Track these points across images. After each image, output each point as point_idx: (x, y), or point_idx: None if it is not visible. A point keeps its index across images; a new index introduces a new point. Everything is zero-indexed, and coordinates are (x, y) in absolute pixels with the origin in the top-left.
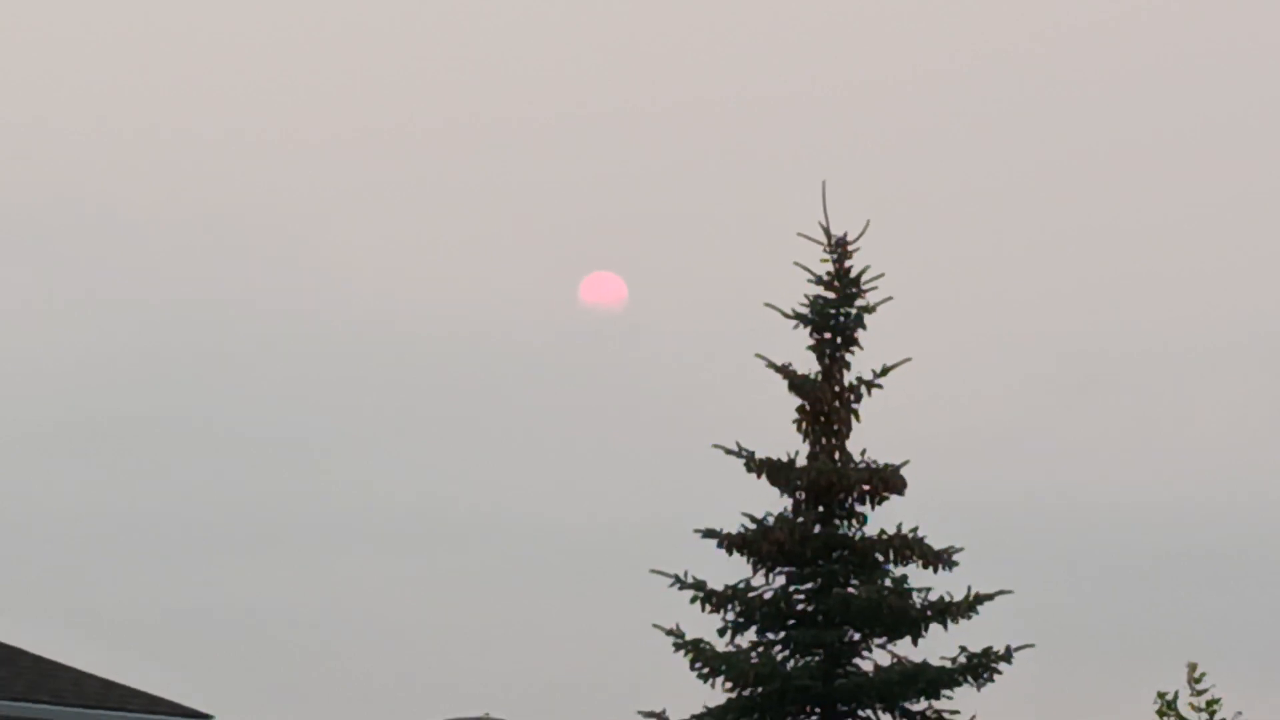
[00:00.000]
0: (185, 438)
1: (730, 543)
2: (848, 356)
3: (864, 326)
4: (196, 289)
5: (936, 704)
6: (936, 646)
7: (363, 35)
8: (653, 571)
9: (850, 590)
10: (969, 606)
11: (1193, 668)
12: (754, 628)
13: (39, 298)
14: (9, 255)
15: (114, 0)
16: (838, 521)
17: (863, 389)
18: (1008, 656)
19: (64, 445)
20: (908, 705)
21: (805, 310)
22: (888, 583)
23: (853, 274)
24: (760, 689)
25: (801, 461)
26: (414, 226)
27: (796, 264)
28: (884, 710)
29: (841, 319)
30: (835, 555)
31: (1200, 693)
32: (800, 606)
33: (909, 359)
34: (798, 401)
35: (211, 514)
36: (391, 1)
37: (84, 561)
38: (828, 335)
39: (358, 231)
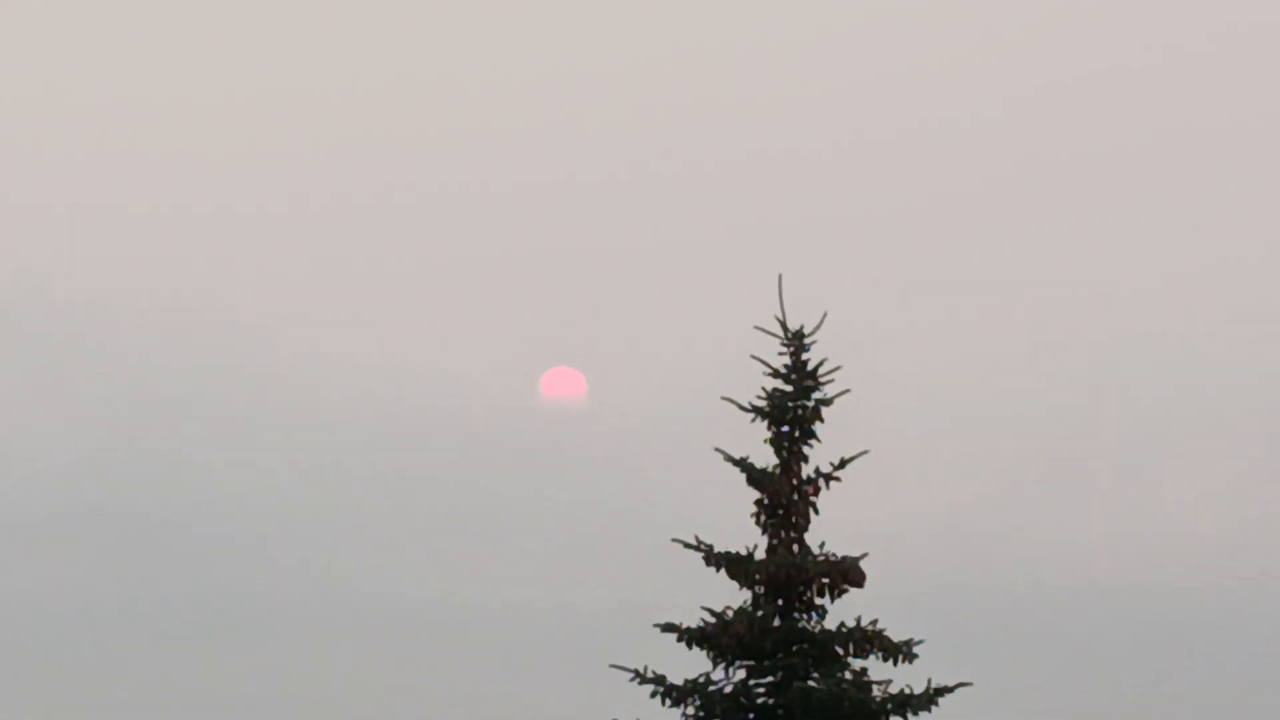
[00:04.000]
0: (135, 528)
1: (690, 637)
2: (805, 449)
3: (821, 419)
4: (148, 379)
5: None
6: None
7: (329, 117)
8: (612, 666)
9: (811, 683)
10: (929, 699)
11: None
12: None
13: None
14: None
15: (74, 79)
16: (797, 615)
17: (821, 482)
18: None
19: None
20: None
21: (763, 403)
22: (848, 675)
23: (810, 367)
24: None
25: (760, 555)
26: (375, 322)
27: (754, 357)
28: None
29: (799, 412)
30: (795, 648)
31: None
32: (761, 700)
33: (866, 451)
34: (756, 495)
35: (167, 605)
36: (358, 83)
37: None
38: (785, 428)
39: (318, 326)
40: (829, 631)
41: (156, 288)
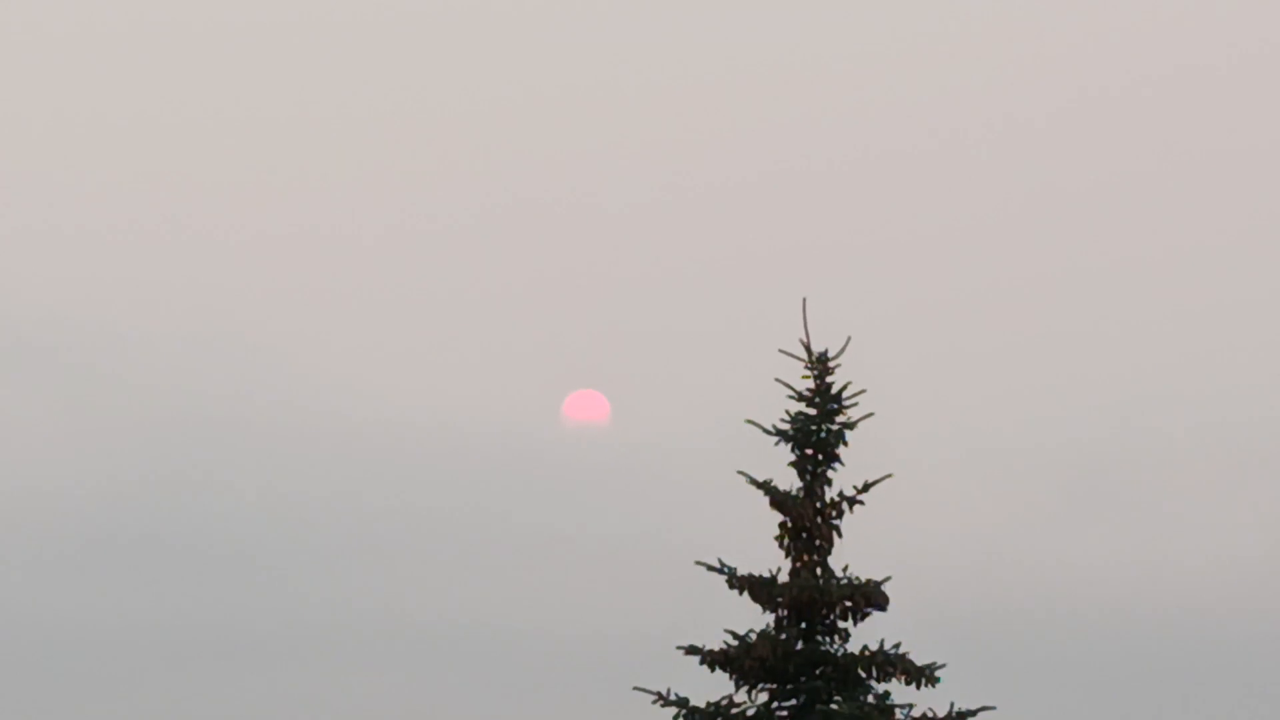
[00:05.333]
0: (157, 552)
1: (713, 659)
2: (829, 473)
3: (845, 443)
4: (171, 403)
5: None
6: None
7: (351, 142)
8: (635, 689)
9: (833, 707)
10: None
11: None
12: None
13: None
14: None
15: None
16: (820, 638)
17: (844, 505)
18: None
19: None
20: None
21: (786, 427)
22: (870, 699)
23: (834, 390)
24: None
25: (783, 578)
26: (398, 347)
27: (778, 380)
28: None
29: (823, 435)
30: (818, 672)
31: None
32: None
33: (890, 475)
34: (779, 518)
35: (185, 628)
36: (380, 109)
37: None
38: (809, 451)
39: (341, 352)
40: (852, 655)
41: (179, 314)
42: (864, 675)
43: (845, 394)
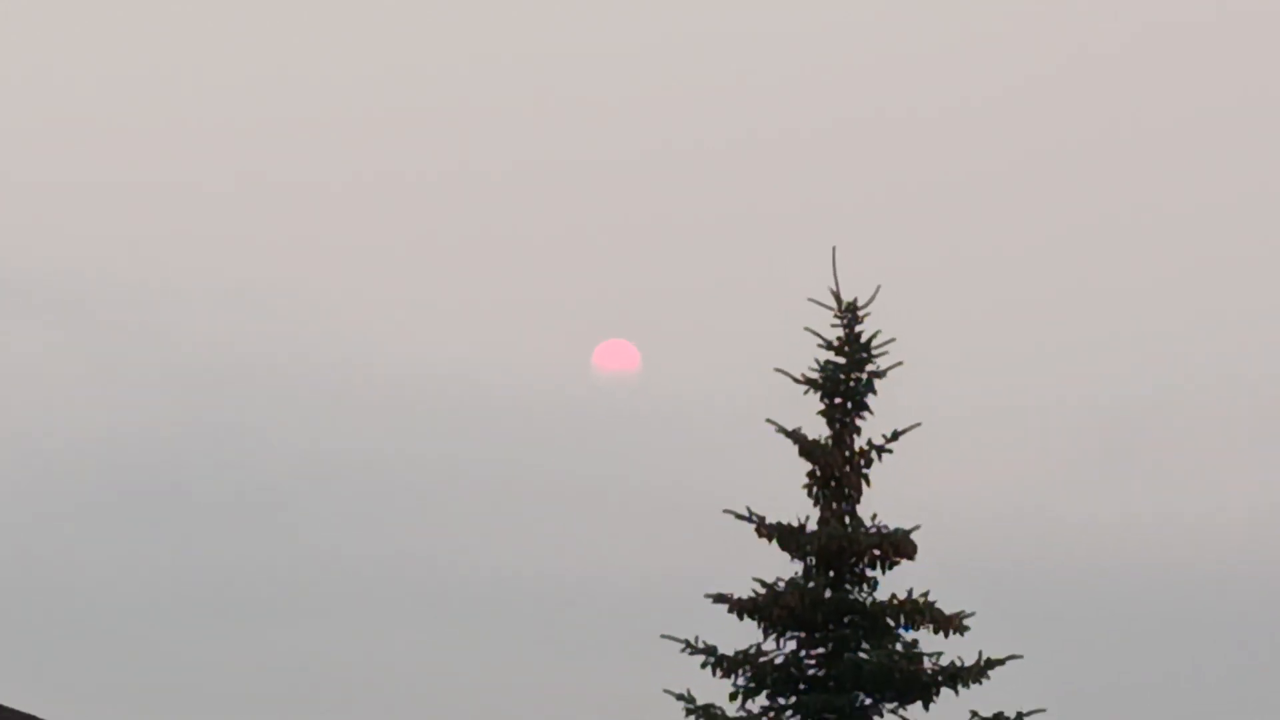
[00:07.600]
0: (187, 504)
1: (741, 608)
2: (858, 421)
3: (874, 391)
4: (203, 356)
5: None
6: (948, 712)
7: (384, 96)
8: (663, 636)
9: (861, 655)
10: (980, 671)
11: None
12: (765, 693)
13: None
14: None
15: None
16: (848, 586)
17: (873, 454)
18: None
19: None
20: None
21: (816, 375)
22: (899, 648)
23: (863, 339)
24: None
25: (812, 526)
26: (427, 299)
27: (807, 329)
28: None
29: (852, 384)
30: (846, 620)
31: None
32: (811, 671)
33: (919, 424)
34: (808, 466)
35: (204, 581)
36: (413, 61)
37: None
38: (838, 400)
39: (369, 303)
40: (880, 603)
41: (210, 267)
42: (892, 624)
43: (874, 343)
